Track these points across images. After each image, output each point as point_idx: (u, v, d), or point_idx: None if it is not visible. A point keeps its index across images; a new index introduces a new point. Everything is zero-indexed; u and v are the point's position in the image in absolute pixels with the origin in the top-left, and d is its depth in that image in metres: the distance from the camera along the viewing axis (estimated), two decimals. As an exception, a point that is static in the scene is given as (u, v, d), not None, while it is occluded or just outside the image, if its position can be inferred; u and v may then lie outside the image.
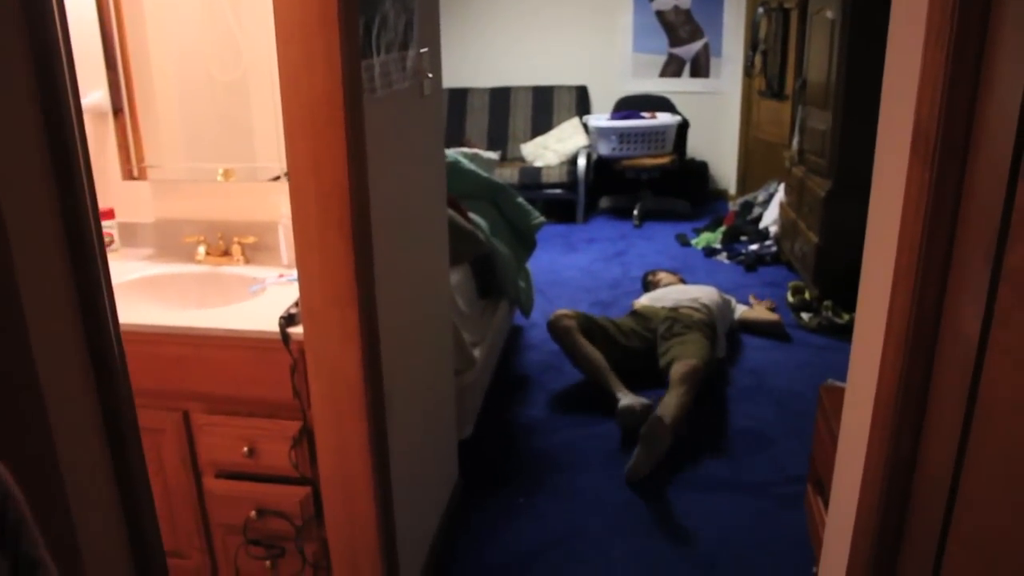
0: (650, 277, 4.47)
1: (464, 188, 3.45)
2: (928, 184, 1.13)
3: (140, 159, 2.32)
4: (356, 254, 1.62)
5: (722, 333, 3.71)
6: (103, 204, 2.35)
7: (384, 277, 1.80)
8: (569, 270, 5.16)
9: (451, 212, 2.81)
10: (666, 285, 4.24)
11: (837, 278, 4.09)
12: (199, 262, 2.27)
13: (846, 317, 3.99)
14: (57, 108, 0.76)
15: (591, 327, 3.46)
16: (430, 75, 2.18)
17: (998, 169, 0.98)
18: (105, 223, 2.33)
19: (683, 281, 4.36)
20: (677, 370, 3.12)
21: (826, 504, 2.00)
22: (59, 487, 0.76)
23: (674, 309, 3.65)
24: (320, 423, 1.78)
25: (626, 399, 3.11)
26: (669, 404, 2.94)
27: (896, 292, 1.25)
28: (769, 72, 5.88)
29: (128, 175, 2.32)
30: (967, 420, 1.09)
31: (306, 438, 1.87)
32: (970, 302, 1.07)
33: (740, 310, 4.06)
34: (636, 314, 3.68)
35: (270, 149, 2.21)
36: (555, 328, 3.41)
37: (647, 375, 3.44)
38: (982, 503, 1.07)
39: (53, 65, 0.74)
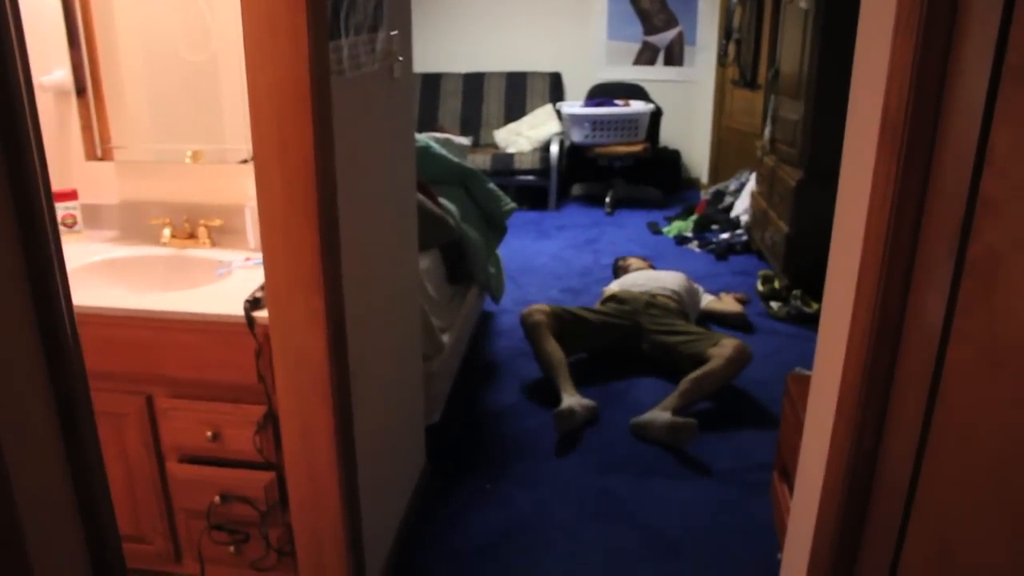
0: (620, 263, 4.48)
1: (435, 173, 3.42)
2: (895, 174, 1.13)
3: (105, 140, 2.28)
4: (322, 238, 1.60)
5: (692, 321, 3.74)
6: (67, 185, 2.30)
7: (351, 261, 1.78)
8: (540, 257, 5.16)
9: (421, 197, 2.79)
10: (636, 270, 4.25)
11: (807, 267, 4.12)
12: (164, 245, 2.24)
13: (815, 306, 4.03)
14: (4, 82, 0.73)
15: (566, 321, 3.44)
16: (400, 58, 2.15)
17: (963, 159, 0.98)
18: (68, 204, 2.29)
19: (652, 267, 4.38)
20: (727, 349, 3.20)
21: (791, 491, 2.01)
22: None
23: (651, 295, 3.66)
24: (285, 408, 1.76)
25: (568, 400, 3.05)
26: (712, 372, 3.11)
27: (862, 282, 1.25)
28: (742, 61, 5.90)
29: (92, 156, 2.28)
30: (929, 408, 1.09)
31: (271, 423, 1.85)
32: (934, 292, 1.08)
33: (707, 300, 4.09)
34: (614, 298, 3.68)
35: (239, 131, 2.18)
36: (525, 322, 3.40)
37: (629, 360, 3.47)
38: (942, 490, 1.07)
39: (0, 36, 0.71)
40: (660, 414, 2.95)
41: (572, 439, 2.97)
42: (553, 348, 3.30)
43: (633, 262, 4.41)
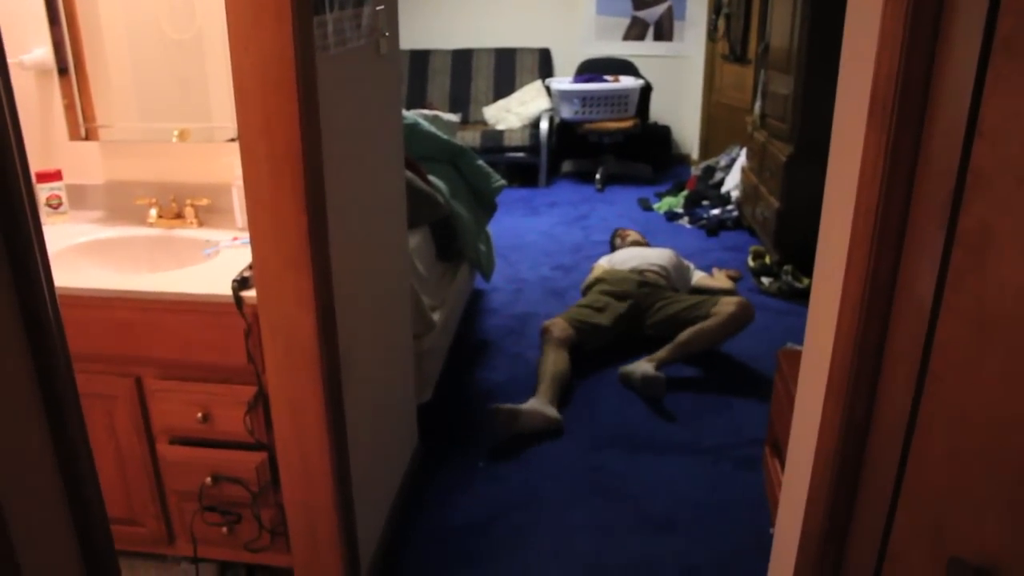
0: (619, 235, 4.46)
1: (423, 150, 3.41)
2: (885, 147, 1.12)
3: (90, 119, 2.25)
4: (309, 216, 1.59)
5: (681, 297, 3.75)
6: (50, 165, 2.28)
7: (339, 239, 1.77)
8: (531, 234, 5.15)
9: (409, 174, 2.77)
10: (631, 244, 4.25)
11: (797, 243, 4.12)
12: (151, 225, 2.22)
13: (806, 281, 4.03)
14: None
15: (584, 332, 3.37)
16: (387, 33, 2.13)
17: (954, 131, 0.97)
18: (54, 185, 2.26)
19: (647, 244, 4.37)
20: (729, 305, 3.27)
21: (783, 465, 2.02)
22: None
23: (641, 273, 3.66)
24: (275, 387, 1.75)
25: (530, 402, 2.93)
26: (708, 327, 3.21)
27: (852, 256, 1.24)
28: (732, 36, 5.87)
29: (76, 135, 2.25)
30: (920, 382, 1.09)
31: (261, 403, 1.84)
32: (924, 265, 1.07)
33: (697, 276, 4.07)
34: (601, 282, 3.66)
35: (227, 109, 2.15)
36: (544, 332, 3.32)
37: (631, 339, 3.49)
38: (933, 464, 1.08)
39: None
40: (643, 365, 3.07)
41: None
42: (557, 359, 3.17)
43: (631, 234, 4.39)
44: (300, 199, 1.58)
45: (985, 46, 0.91)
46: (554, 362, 3.16)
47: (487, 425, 2.83)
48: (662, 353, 3.17)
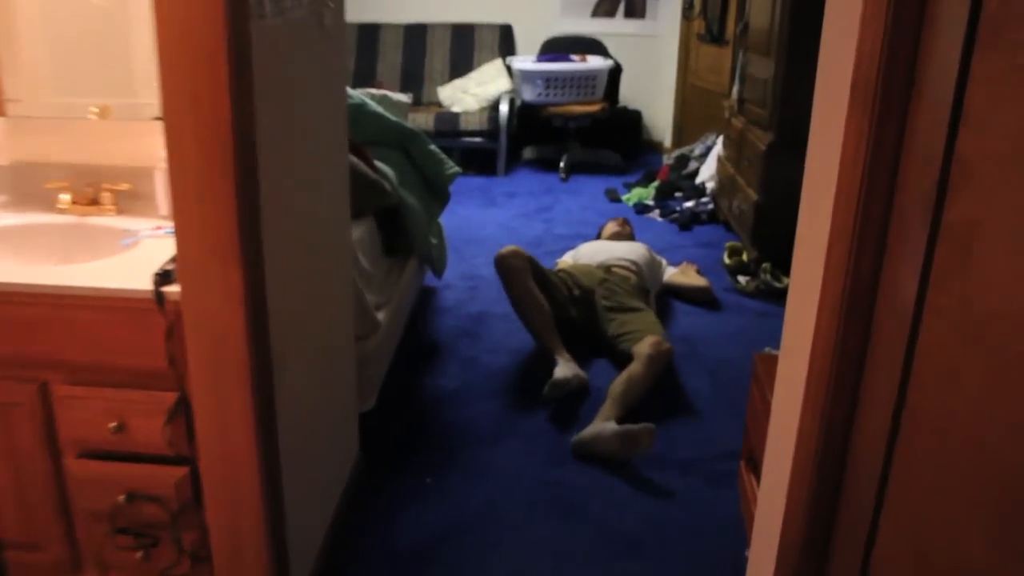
0: (604, 226, 4.49)
1: (370, 133, 3.41)
2: (867, 135, 1.15)
3: (-5, 92, 2.22)
4: (239, 202, 1.58)
5: (653, 295, 3.79)
6: (-54, 143, 2.24)
7: (274, 230, 1.76)
8: (487, 226, 5.16)
9: (354, 159, 2.77)
10: (610, 237, 4.28)
11: (777, 239, 4.18)
12: (62, 211, 2.19)
13: (786, 281, 4.09)
14: None
15: (541, 278, 3.46)
16: (331, 4, 2.13)
17: (939, 115, 1.00)
18: (-51, 165, 2.22)
19: (631, 235, 4.40)
20: (644, 347, 3.17)
21: (759, 481, 2.05)
22: None
23: (607, 268, 3.68)
24: (199, 394, 1.74)
25: (563, 369, 3.15)
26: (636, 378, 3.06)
27: (832, 253, 1.27)
28: (709, 14, 5.94)
29: (-24, 110, 2.22)
30: (902, 388, 1.12)
31: (183, 411, 1.82)
32: (907, 263, 1.10)
33: (669, 272, 4.12)
34: (566, 273, 3.70)
35: (154, 84, 2.12)
36: (506, 264, 3.35)
37: (585, 342, 3.51)
38: (916, 476, 1.10)
39: None
40: (605, 425, 2.86)
41: (560, 410, 3.03)
42: (539, 299, 3.32)
43: (609, 228, 4.41)
44: (230, 183, 1.57)
45: (971, 28, 0.94)
46: (540, 304, 3.33)
47: (547, 393, 3.08)
48: (611, 411, 2.99)
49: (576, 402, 3.15)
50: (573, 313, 3.55)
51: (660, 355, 3.14)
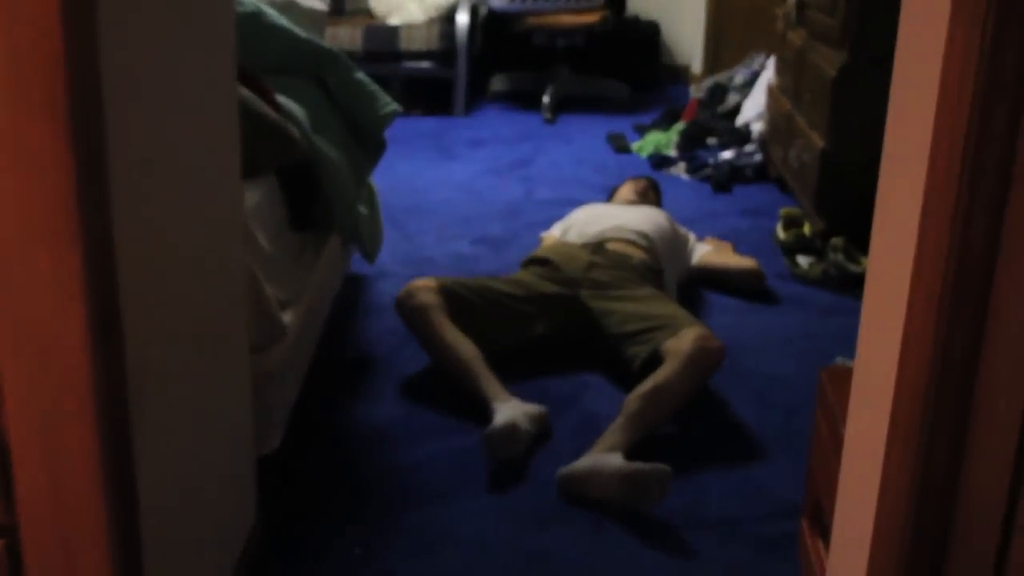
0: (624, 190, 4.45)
1: (271, 57, 3.41)
2: (979, 48, 1.12)
3: None
4: (78, 157, 1.55)
5: (672, 282, 3.75)
6: None
7: (129, 196, 1.73)
8: (442, 189, 5.18)
9: (247, 93, 2.74)
10: (623, 202, 4.26)
11: (853, 204, 4.15)
12: None
13: (864, 262, 4.09)
14: None
15: (465, 300, 3.43)
16: None
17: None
18: None
19: (657, 205, 4.34)
20: (684, 343, 3.11)
21: (828, 548, 2.04)
22: None
23: (600, 246, 3.66)
24: (19, 435, 1.71)
25: (503, 413, 3.01)
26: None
27: (928, 220, 1.25)
28: None
29: None
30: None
31: (-2, 461, 1.80)
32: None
33: (700, 251, 4.09)
34: (543, 263, 3.66)
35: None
36: (405, 306, 3.38)
37: (575, 349, 3.50)
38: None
39: None
40: (606, 458, 2.82)
41: (512, 468, 2.97)
42: (455, 338, 3.28)
43: (624, 191, 4.38)
44: (62, 131, 1.53)
45: None
46: (456, 344, 3.27)
47: (490, 451, 2.93)
48: (616, 436, 2.96)
49: (566, 428, 3.13)
50: (541, 329, 3.52)
51: (707, 354, 3.09)
